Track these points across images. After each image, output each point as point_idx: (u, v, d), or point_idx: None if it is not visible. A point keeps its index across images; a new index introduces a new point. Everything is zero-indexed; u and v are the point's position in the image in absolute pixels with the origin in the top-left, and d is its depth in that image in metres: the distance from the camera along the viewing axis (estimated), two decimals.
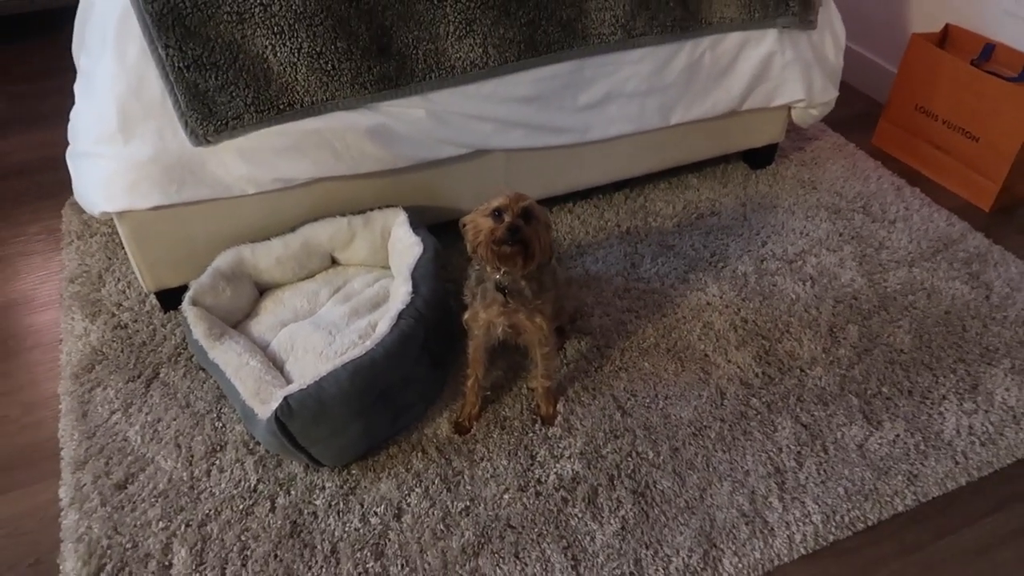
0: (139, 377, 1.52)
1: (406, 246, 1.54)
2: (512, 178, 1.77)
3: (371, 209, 1.63)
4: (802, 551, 1.26)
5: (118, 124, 1.37)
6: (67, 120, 1.51)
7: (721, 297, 1.70)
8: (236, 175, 1.47)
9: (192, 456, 1.38)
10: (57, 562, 1.24)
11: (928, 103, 2.07)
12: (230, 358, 1.40)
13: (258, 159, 1.47)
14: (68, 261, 1.80)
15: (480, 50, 1.54)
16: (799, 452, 1.39)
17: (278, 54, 1.41)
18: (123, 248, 1.81)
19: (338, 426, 1.29)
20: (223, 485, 1.33)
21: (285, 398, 1.24)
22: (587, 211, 1.95)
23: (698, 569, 1.22)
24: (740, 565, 1.23)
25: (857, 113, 2.34)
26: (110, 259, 1.80)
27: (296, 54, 1.41)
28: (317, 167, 1.53)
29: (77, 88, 1.46)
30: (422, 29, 1.49)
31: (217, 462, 1.37)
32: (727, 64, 1.80)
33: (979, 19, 2.07)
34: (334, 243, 1.62)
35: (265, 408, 1.30)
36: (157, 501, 1.31)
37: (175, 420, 1.44)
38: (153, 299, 1.69)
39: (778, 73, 1.85)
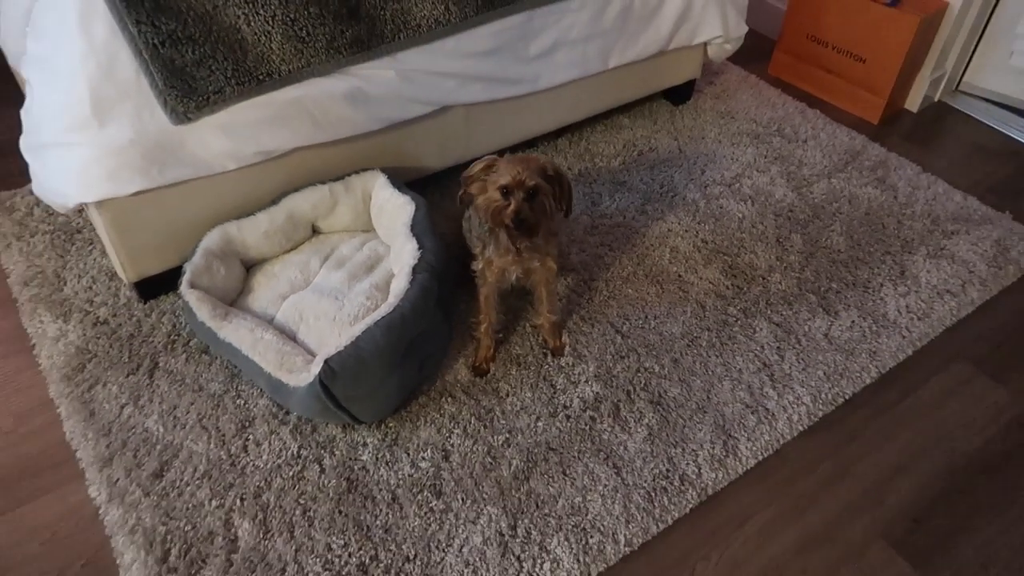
0: (139, 369, 1.48)
1: (397, 205, 1.57)
2: (472, 133, 1.83)
3: (349, 175, 1.64)
4: (800, 428, 1.44)
5: (91, 108, 1.31)
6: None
7: (679, 223, 1.86)
8: (217, 151, 1.45)
9: (223, 435, 1.38)
10: (113, 557, 1.22)
11: (818, 32, 2.31)
12: (243, 335, 1.40)
13: (239, 133, 1.45)
14: (12, 264, 1.69)
15: (442, 7, 1.58)
16: (779, 347, 1.58)
17: (251, 23, 1.39)
18: (74, 243, 1.73)
19: (376, 382, 1.33)
20: (265, 457, 1.35)
21: (326, 361, 1.27)
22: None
23: (721, 456, 1.38)
24: (754, 448, 1.40)
25: (752, 47, 2.55)
26: (62, 256, 1.70)
27: (270, 22, 1.40)
28: (297, 136, 1.52)
29: (30, 75, 1.37)
30: None
31: (251, 437, 1.38)
32: (655, 7, 1.93)
33: None
34: (317, 211, 1.62)
35: (296, 376, 1.33)
36: (202, 482, 1.30)
37: (192, 404, 1.42)
38: (126, 291, 1.63)
39: (699, 12, 2.00)
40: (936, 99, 2.39)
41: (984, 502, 1.36)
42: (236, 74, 1.39)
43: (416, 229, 1.50)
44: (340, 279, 1.54)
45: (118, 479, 1.31)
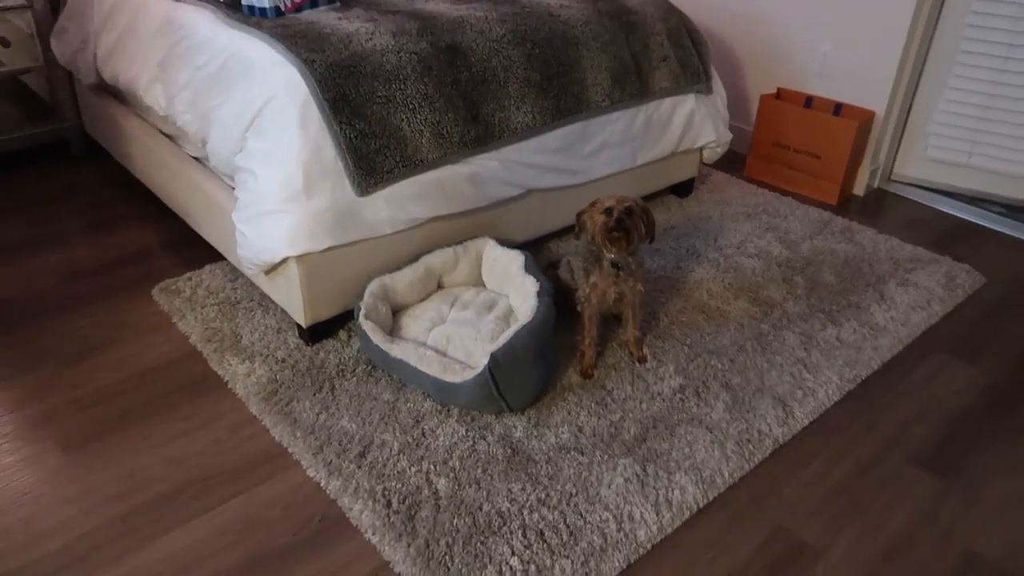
0: (321, 389, 1.86)
1: (509, 258, 2.06)
2: (545, 213, 2.36)
3: (466, 240, 2.13)
4: (835, 399, 1.91)
5: (303, 184, 1.79)
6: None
7: (707, 274, 2.38)
8: (381, 218, 1.93)
9: (404, 427, 1.76)
10: (343, 511, 1.56)
11: (781, 139, 2.99)
12: (409, 353, 1.82)
13: (396, 204, 1.94)
14: (190, 329, 2.08)
15: (530, 116, 2.15)
16: (805, 348, 2.07)
17: (411, 124, 1.92)
18: (238, 311, 2.14)
19: (526, 372, 1.76)
20: (441, 439, 1.73)
21: (492, 354, 1.70)
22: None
23: (783, 418, 1.82)
24: (805, 411, 1.85)
25: (729, 159, 3.23)
26: (231, 320, 2.10)
27: (423, 123, 1.94)
28: (435, 208, 2.02)
29: (251, 165, 1.84)
30: (496, 102, 2.08)
31: (426, 427, 1.76)
32: (667, 119, 2.57)
33: (800, 81, 3.05)
34: (444, 268, 2.09)
35: (461, 375, 1.75)
36: (400, 457, 1.67)
37: (373, 409, 1.81)
38: (293, 339, 2.03)
39: (698, 123, 2.65)
40: (876, 186, 3.06)
41: (983, 429, 1.83)
42: (401, 160, 1.91)
43: (530, 270, 1.99)
44: (470, 315, 1.99)
45: (331, 460, 1.67)
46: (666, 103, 2.54)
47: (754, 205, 2.84)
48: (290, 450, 1.71)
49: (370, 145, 1.86)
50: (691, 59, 2.58)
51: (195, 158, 2.24)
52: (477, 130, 2.04)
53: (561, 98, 2.22)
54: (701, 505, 1.61)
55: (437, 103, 1.95)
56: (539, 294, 1.89)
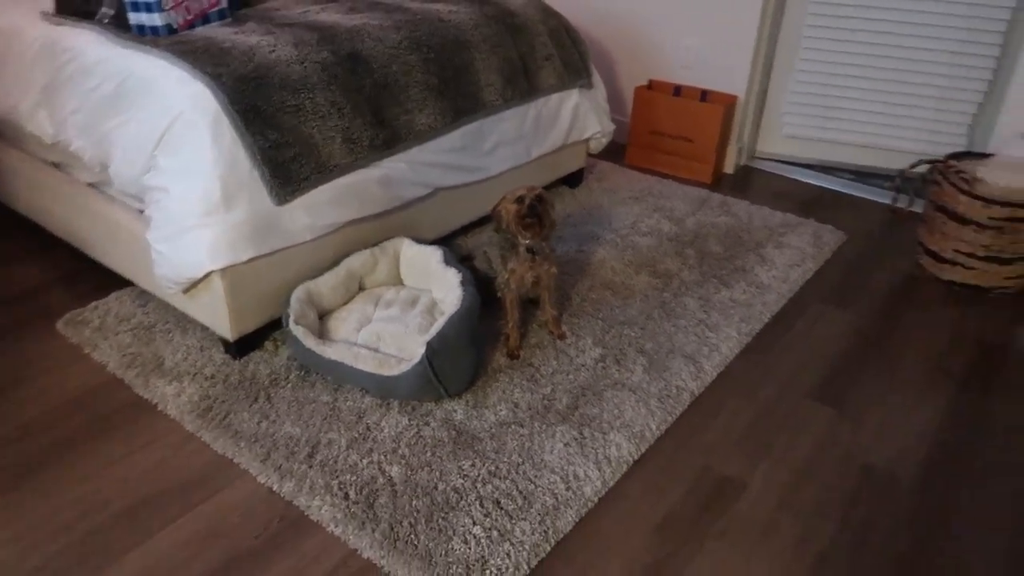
0: (257, 400, 1.88)
1: (427, 254, 2.14)
2: (451, 210, 2.46)
3: (382, 241, 2.19)
4: (735, 352, 2.12)
5: (221, 197, 1.81)
6: None
7: (608, 254, 2.56)
8: (300, 225, 1.97)
9: (348, 425, 1.81)
10: (301, 510, 1.60)
11: (656, 127, 3.22)
12: (344, 353, 1.87)
13: (314, 211, 1.98)
14: (106, 358, 2.02)
15: (432, 118, 2.25)
16: (704, 310, 2.27)
17: (322, 132, 1.97)
18: (154, 335, 2.11)
19: (460, 357, 1.85)
20: (387, 430, 1.79)
21: (428, 343, 1.78)
22: (488, 232, 2.69)
23: (696, 373, 2.01)
24: (712, 365, 2.05)
25: (609, 149, 3.44)
26: (149, 344, 2.06)
27: (334, 130, 1.99)
28: (351, 211, 2.07)
29: (165, 183, 1.83)
30: (399, 106, 2.16)
31: (369, 421, 1.82)
32: (555, 114, 2.72)
33: (669, 72, 3.30)
34: (364, 269, 2.15)
35: (398, 368, 1.82)
36: (349, 452, 1.72)
37: (313, 412, 1.84)
38: (218, 356, 2.02)
39: (584, 116, 2.82)
40: (743, 163, 3.36)
41: (861, 363, 2.09)
42: (316, 167, 1.95)
43: (450, 263, 2.08)
44: (395, 312, 2.06)
45: (281, 464, 1.69)
46: (553, 99, 2.70)
47: (639, 189, 3.05)
48: (236, 460, 1.72)
49: (284, 155, 1.89)
50: (572, 57, 2.75)
51: (91, 184, 2.19)
52: (385, 134, 2.12)
53: (458, 99, 2.33)
54: (636, 458, 1.76)
55: (345, 109, 2.01)
56: (463, 283, 1.98)
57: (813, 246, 2.65)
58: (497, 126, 2.50)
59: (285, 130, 1.90)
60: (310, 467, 1.69)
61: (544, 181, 2.87)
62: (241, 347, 2.01)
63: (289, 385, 1.93)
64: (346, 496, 1.62)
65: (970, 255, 2.41)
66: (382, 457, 1.72)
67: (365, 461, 1.71)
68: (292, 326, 1.90)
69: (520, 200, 1.95)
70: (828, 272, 2.55)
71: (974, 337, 2.25)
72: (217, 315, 1.95)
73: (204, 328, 2.12)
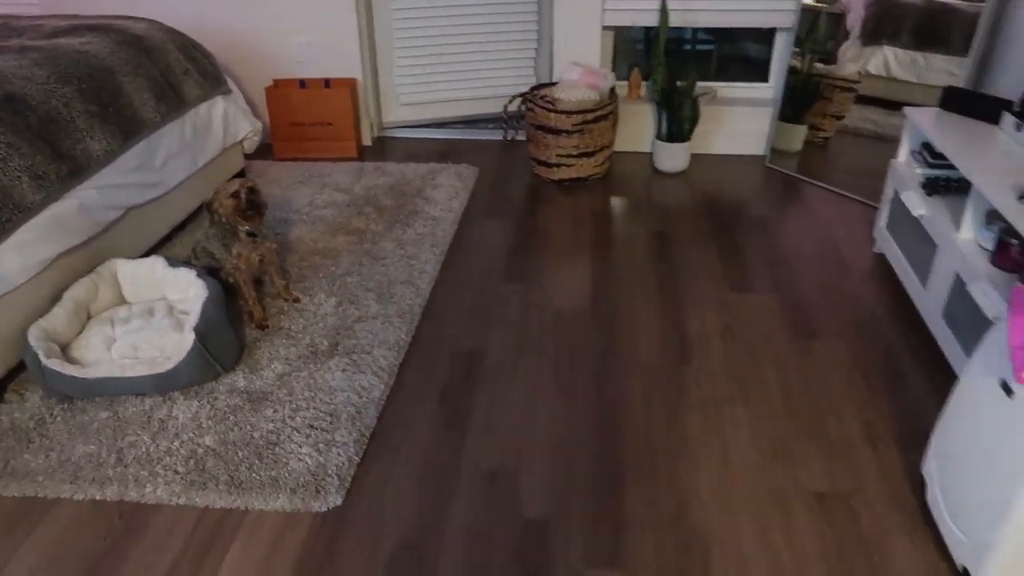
0: (32, 441, 1.87)
1: (149, 264, 2.26)
2: (147, 228, 2.55)
3: (97, 267, 2.24)
4: (438, 268, 2.63)
5: None
6: None
7: (303, 230, 2.87)
8: (14, 269, 1.97)
9: (141, 425, 1.92)
10: (136, 501, 1.72)
11: (295, 119, 3.56)
12: (109, 368, 1.96)
13: (24, 252, 2.00)
14: None
15: (104, 143, 2.33)
16: (401, 247, 2.73)
17: (7, 174, 1.98)
18: None
19: (225, 333, 2.06)
20: (182, 417, 1.95)
21: (194, 328, 1.97)
22: (185, 238, 2.81)
23: (417, 290, 2.47)
24: (425, 282, 2.53)
25: (258, 149, 3.68)
26: None
27: (18, 170, 2.01)
28: (58, 244, 2.11)
29: None
30: (72, 137, 2.22)
31: (161, 416, 1.95)
32: (208, 122, 2.92)
33: (290, 70, 3.64)
34: (89, 296, 2.18)
35: (171, 363, 1.97)
36: (158, 443, 1.86)
37: (100, 429, 1.91)
38: None
39: (233, 119, 3.05)
40: (377, 135, 3.87)
41: (529, 245, 2.74)
42: (14, 208, 1.96)
43: (176, 265, 2.23)
44: (138, 323, 2.16)
45: (93, 477, 1.77)
46: (202, 108, 2.90)
47: (301, 174, 3.38)
48: (42, 495, 1.75)
49: None
50: (207, 68, 2.96)
51: None
52: (68, 165, 2.17)
53: (121, 122, 2.44)
54: (400, 360, 2.17)
55: (23, 149, 2.04)
56: (200, 275, 2.17)
57: (459, 181, 3.27)
58: (162, 141, 2.63)
59: None
60: (125, 467, 1.79)
61: (214, 186, 3.05)
62: None
63: (59, 418, 1.95)
64: (176, 471, 1.77)
65: (567, 156, 3.22)
66: (191, 435, 1.89)
67: (176, 444, 1.86)
68: (46, 362, 1.92)
69: (236, 195, 2.19)
70: (477, 196, 3.18)
71: (588, 213, 3.06)
72: None
73: None
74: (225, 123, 3.01)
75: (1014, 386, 1.35)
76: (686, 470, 1.81)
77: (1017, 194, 1.87)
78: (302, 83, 3.60)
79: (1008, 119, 2.27)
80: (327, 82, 3.60)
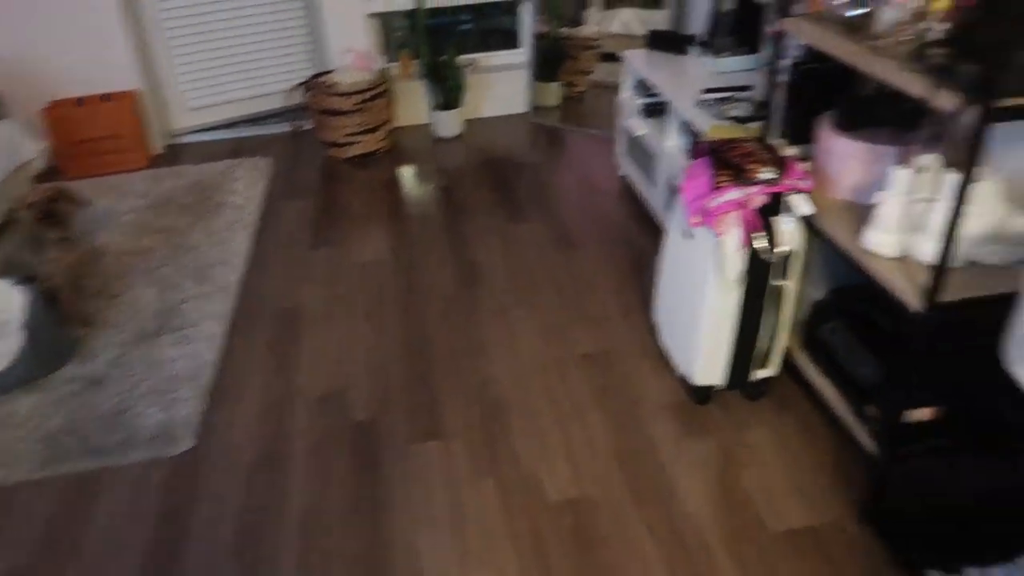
0: None
1: None
2: None
3: None
4: (247, 246, 2.87)
5: None
6: None
7: (112, 238, 3.00)
8: None
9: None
10: (8, 489, 1.87)
11: (80, 136, 3.60)
12: None
13: None
14: None
15: None
16: (206, 234, 2.94)
17: None
18: None
19: (52, 328, 2.22)
20: (24, 410, 2.09)
21: (23, 324, 2.11)
22: None
23: (232, 269, 2.70)
24: (239, 260, 2.77)
25: (47, 172, 3.67)
26: None
27: None
28: None
29: None
30: None
31: (2, 415, 2.08)
32: None
33: (61, 90, 3.66)
34: None
35: (6, 359, 2.11)
36: (3, 436, 2.00)
37: None
38: None
39: (17, 142, 3.09)
40: (169, 143, 3.97)
41: (330, 217, 3.04)
42: None
43: None
44: None
45: None
46: None
47: (97, 188, 3.46)
48: None
49: None
50: None
51: None
52: None
53: None
54: (227, 328, 2.42)
55: None
56: (16, 283, 2.30)
57: (256, 172, 3.50)
58: None
59: None
60: None
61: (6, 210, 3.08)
62: None
63: None
64: (31, 451, 1.94)
65: (353, 134, 3.54)
66: (37, 423, 2.05)
67: (23, 432, 2.02)
68: None
69: (31, 206, 2.33)
70: (276, 182, 3.43)
71: (379, 183, 3.40)
72: None
73: None
74: (11, 147, 3.04)
75: (690, 230, 1.87)
76: (484, 361, 2.22)
77: (694, 102, 2.43)
78: (80, 100, 3.64)
79: (694, 50, 2.87)
80: (107, 96, 3.66)
